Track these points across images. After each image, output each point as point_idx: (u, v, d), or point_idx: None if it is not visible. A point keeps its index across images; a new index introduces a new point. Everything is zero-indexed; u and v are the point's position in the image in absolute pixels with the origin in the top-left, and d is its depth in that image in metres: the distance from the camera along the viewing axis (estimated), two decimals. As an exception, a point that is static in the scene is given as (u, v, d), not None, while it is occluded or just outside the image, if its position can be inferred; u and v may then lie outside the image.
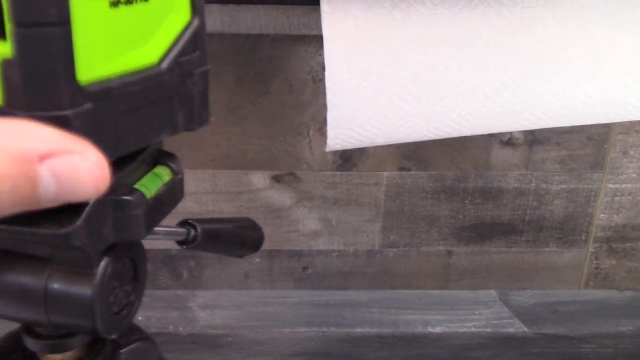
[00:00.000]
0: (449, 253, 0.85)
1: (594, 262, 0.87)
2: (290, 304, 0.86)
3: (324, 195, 0.80)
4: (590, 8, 0.48)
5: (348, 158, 0.78)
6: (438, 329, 0.84)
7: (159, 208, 0.26)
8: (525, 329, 0.85)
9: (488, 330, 0.84)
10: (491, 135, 0.78)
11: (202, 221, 0.33)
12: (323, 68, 0.74)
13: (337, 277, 0.85)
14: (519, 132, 0.78)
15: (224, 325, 0.84)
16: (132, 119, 0.23)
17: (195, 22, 0.25)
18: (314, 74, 0.74)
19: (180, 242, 0.32)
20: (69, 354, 0.28)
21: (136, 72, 0.23)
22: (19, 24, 0.19)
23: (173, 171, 0.27)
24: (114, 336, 0.25)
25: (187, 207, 0.78)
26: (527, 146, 0.79)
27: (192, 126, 0.26)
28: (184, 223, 0.32)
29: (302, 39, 0.71)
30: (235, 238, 0.35)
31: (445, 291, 0.88)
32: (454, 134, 0.54)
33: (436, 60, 0.48)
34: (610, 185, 0.82)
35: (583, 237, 0.85)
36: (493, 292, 0.88)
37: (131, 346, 0.30)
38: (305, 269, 0.84)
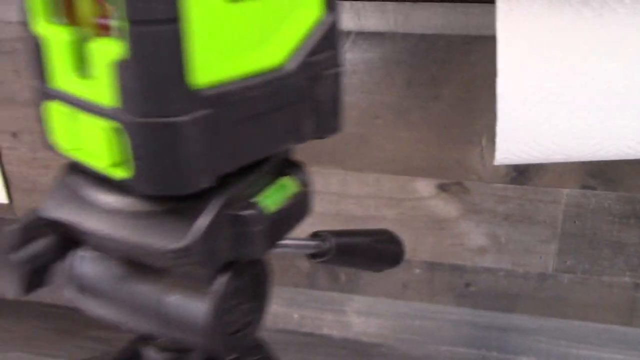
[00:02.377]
0: (637, 286, 0.75)
1: None
2: (449, 321, 0.81)
3: (493, 210, 0.74)
4: None
5: (523, 171, 0.72)
6: (617, 371, 0.74)
7: (283, 223, 0.23)
8: None
9: (678, 379, 0.73)
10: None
11: (336, 233, 0.30)
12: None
13: (503, 298, 0.79)
14: None
15: (379, 335, 0.81)
16: (253, 126, 0.21)
17: (329, 18, 0.22)
18: (492, 79, 0.68)
19: (312, 256, 0.30)
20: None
21: (258, 74, 0.21)
22: (133, 21, 0.17)
23: (300, 183, 0.24)
24: (231, 358, 0.24)
25: (349, 210, 0.77)
26: None
27: (320, 135, 0.23)
28: (316, 235, 0.30)
29: (480, 40, 0.66)
30: (372, 252, 0.32)
31: (629, 328, 0.77)
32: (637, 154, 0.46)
33: (633, 68, 0.41)
34: None
35: None
36: (689, 337, 0.76)
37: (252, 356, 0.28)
38: (468, 285, 0.79)
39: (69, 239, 0.23)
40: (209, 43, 0.19)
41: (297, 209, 0.25)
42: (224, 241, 0.22)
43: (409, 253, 0.79)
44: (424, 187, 0.75)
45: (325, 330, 0.82)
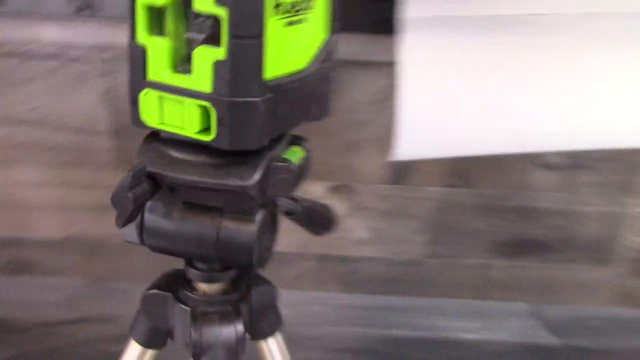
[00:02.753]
0: (487, 266, 0.92)
1: (622, 281, 0.93)
2: (337, 305, 0.93)
3: (375, 207, 0.88)
4: (637, 42, 0.55)
5: (400, 173, 0.86)
6: (471, 336, 0.91)
7: (298, 175, 0.34)
8: (554, 340, 0.91)
9: (518, 340, 0.91)
10: (531, 159, 0.86)
11: (302, 199, 0.41)
12: (380, 91, 0.83)
13: (382, 283, 0.93)
14: (558, 156, 0.86)
15: (277, 322, 0.91)
16: (289, 108, 0.32)
17: (331, 39, 0.34)
18: (373, 97, 0.82)
19: (287, 213, 0.40)
20: (219, 285, 0.36)
21: (294, 73, 0.31)
22: (233, 35, 0.27)
23: (306, 149, 0.35)
24: (262, 268, 0.33)
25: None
26: (564, 170, 0.86)
27: (320, 117, 0.34)
28: (293, 198, 0.40)
29: (366, 64, 0.80)
30: (319, 218, 0.43)
31: (481, 302, 0.94)
32: (513, 151, 0.62)
33: (501, 84, 0.56)
34: (638, 210, 0.88)
35: (612, 257, 0.91)
36: (526, 305, 0.95)
37: (258, 287, 0.38)
38: (352, 273, 0.92)
39: (157, 186, 0.31)
40: (274, 51, 0.29)
41: (305, 166, 0.35)
42: (268, 184, 0.32)
43: (302, 247, 0.91)
44: (318, 189, 0.87)
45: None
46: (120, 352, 0.81)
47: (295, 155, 0.34)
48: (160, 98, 0.30)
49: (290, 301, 0.93)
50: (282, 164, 0.32)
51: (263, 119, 0.29)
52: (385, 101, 0.82)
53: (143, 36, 0.29)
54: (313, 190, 0.86)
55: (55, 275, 0.92)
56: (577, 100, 0.57)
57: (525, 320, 0.93)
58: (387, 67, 0.79)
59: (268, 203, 0.33)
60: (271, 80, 0.30)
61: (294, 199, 0.39)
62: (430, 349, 0.89)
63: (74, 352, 0.82)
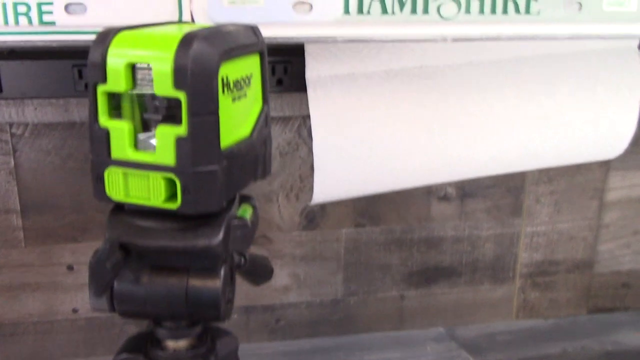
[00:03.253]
0: (402, 297, 0.98)
1: (522, 295, 1.02)
2: (265, 355, 0.95)
3: (292, 253, 0.92)
4: (504, 85, 0.64)
5: (312, 219, 0.91)
6: (397, 366, 0.96)
7: (252, 231, 0.38)
8: (471, 357, 0.98)
9: (440, 362, 0.97)
10: (429, 193, 0.94)
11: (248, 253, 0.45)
12: (288, 143, 0.88)
13: (307, 326, 0.96)
14: (452, 188, 0.94)
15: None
16: (240, 171, 0.36)
17: (266, 108, 0.38)
18: (280, 149, 0.87)
19: (237, 266, 0.43)
20: (186, 340, 0.38)
21: (241, 140, 0.36)
22: (192, 114, 0.31)
23: (253, 206, 0.39)
24: (227, 319, 0.36)
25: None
26: (460, 200, 0.95)
27: (264, 176, 0.38)
28: (241, 252, 0.44)
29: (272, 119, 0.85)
30: (260, 268, 0.47)
31: (401, 332, 1.00)
32: (411, 185, 0.69)
33: (396, 128, 0.63)
34: (528, 229, 0.98)
35: (511, 275, 1.01)
36: (441, 329, 1.02)
37: (222, 339, 0.41)
38: (278, 320, 0.95)
39: (127, 254, 0.34)
40: (225, 124, 0.33)
41: (256, 222, 0.39)
42: (229, 240, 0.35)
43: (226, 302, 0.93)
44: (236, 242, 0.90)
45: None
46: None
47: (247, 212, 0.38)
48: (125, 174, 0.33)
49: (219, 356, 0.94)
50: (239, 221, 0.36)
51: (222, 184, 0.33)
52: (293, 152, 0.88)
53: (104, 120, 0.33)
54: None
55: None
56: (465, 136, 0.65)
57: (443, 343, 1.00)
58: (294, 120, 0.85)
59: (228, 258, 0.37)
60: (226, 149, 0.34)
61: (242, 253, 0.43)
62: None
63: None
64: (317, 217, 0.91)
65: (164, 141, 0.32)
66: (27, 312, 0.88)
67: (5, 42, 0.49)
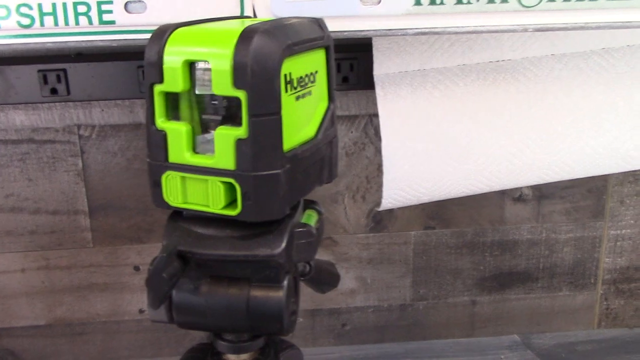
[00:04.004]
0: (473, 302, 0.94)
1: (604, 303, 0.96)
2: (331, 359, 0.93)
3: (359, 256, 0.89)
4: (590, 80, 0.59)
5: (379, 221, 0.88)
6: (469, 374, 0.92)
7: (318, 239, 0.35)
8: (549, 368, 0.93)
9: (515, 372, 0.92)
10: (503, 193, 0.89)
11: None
12: (354, 143, 0.85)
13: (373, 331, 0.93)
14: (528, 188, 0.89)
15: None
16: (305, 175, 0.33)
17: (332, 106, 0.35)
18: (347, 149, 0.84)
19: (301, 275, 0.41)
20: (248, 355, 0.36)
21: (306, 142, 0.33)
22: (252, 115, 0.29)
23: (319, 212, 0.36)
24: (291, 333, 0.34)
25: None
26: (536, 201, 0.90)
27: (330, 180, 0.36)
28: (306, 260, 0.41)
29: (339, 118, 0.82)
30: (326, 275, 0.44)
31: (472, 339, 0.96)
32: (486, 189, 0.64)
33: (470, 128, 0.59)
34: (612, 232, 0.92)
35: (592, 281, 0.94)
36: (516, 337, 0.96)
37: (285, 351, 0.38)
38: (344, 325, 0.92)
39: (186, 264, 0.32)
40: (289, 124, 0.31)
41: (321, 229, 0.36)
42: (293, 250, 0.33)
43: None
44: (301, 244, 0.88)
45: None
46: None
47: (311, 219, 0.35)
48: (183, 178, 0.31)
49: (284, 361, 0.93)
50: (303, 229, 0.33)
51: (285, 189, 0.31)
52: (360, 152, 0.85)
53: (161, 121, 0.31)
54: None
55: (41, 363, 0.90)
56: (547, 136, 0.61)
57: (518, 352, 0.95)
58: (360, 119, 0.82)
59: (292, 268, 0.34)
60: (289, 152, 0.31)
61: (307, 261, 0.40)
62: (428, 392, 0.89)
63: None
64: (384, 219, 0.88)
65: (223, 143, 0.30)
66: (95, 312, 0.89)
67: (66, 42, 0.48)
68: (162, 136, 0.31)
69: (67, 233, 0.85)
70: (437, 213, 0.89)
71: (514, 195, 0.89)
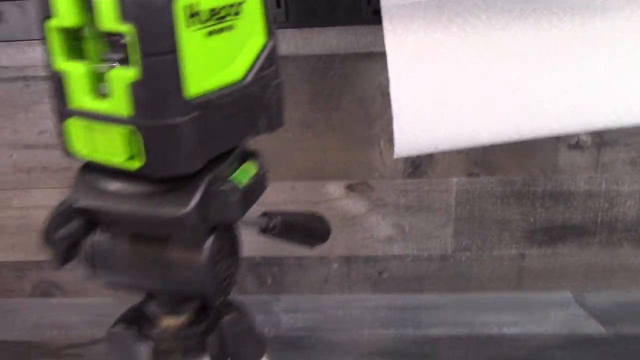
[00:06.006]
0: (522, 256, 0.87)
1: (671, 262, 0.87)
2: (367, 307, 0.90)
3: (396, 202, 0.85)
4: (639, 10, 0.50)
5: (418, 166, 0.83)
6: (513, 330, 0.86)
7: (250, 195, 0.31)
8: (603, 329, 0.85)
9: (564, 331, 0.85)
10: (558, 139, 0.81)
11: (280, 213, 0.38)
12: (387, 83, 0.79)
13: (412, 281, 0.89)
14: (587, 135, 0.80)
15: (306, 328, 0.89)
16: (225, 124, 0.29)
17: (270, 43, 0.31)
18: (382, 89, 0.78)
19: (262, 230, 0.37)
20: (182, 317, 0.33)
21: (227, 86, 0.29)
22: (144, 53, 0.25)
23: (258, 165, 0.33)
24: (219, 301, 0.31)
25: (269, 217, 0.84)
26: (596, 149, 0.81)
27: (271, 129, 0.32)
28: (265, 214, 0.38)
29: (369, 56, 0.77)
30: (308, 229, 0.40)
31: (518, 294, 0.90)
32: (515, 137, 0.58)
33: (494, 68, 0.52)
34: (683, 185, 0.82)
35: (658, 238, 0.85)
36: (568, 294, 0.89)
37: (229, 315, 0.35)
38: (380, 273, 0.89)
39: (92, 221, 0.29)
40: (195, 65, 0.27)
41: (258, 184, 0.33)
42: (211, 209, 0.29)
43: (326, 250, 0.88)
44: (334, 189, 0.84)
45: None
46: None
47: (245, 173, 0.31)
48: (87, 126, 0.28)
49: (318, 306, 0.91)
50: (223, 186, 0.30)
51: (193, 140, 0.27)
52: (383, 90, 0.79)
53: (60, 62, 0.27)
54: (329, 191, 0.83)
55: (81, 295, 0.92)
56: (582, 78, 0.53)
57: (570, 310, 0.88)
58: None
59: (219, 228, 0.31)
60: (197, 97, 0.27)
61: (268, 215, 0.37)
62: (468, 346, 0.85)
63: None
64: (423, 164, 0.83)
65: (117, 87, 0.26)
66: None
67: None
68: (61, 78, 0.28)
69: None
70: (482, 159, 0.82)
71: (571, 142, 0.81)
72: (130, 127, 0.27)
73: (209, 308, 0.35)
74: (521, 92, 0.53)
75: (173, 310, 0.33)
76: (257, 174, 0.32)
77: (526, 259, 0.87)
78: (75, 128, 0.29)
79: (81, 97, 0.28)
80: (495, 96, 0.53)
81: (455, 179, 0.83)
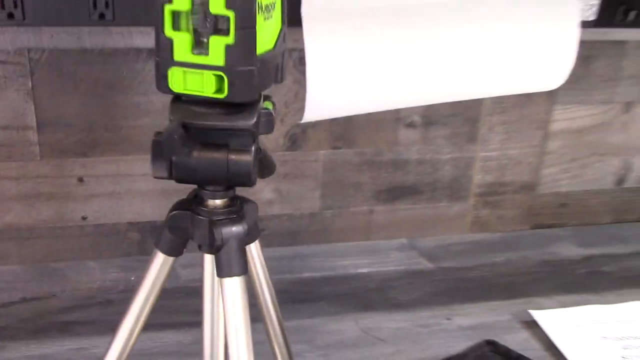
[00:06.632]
0: (371, 212, 1.12)
1: (474, 212, 1.18)
2: (252, 260, 1.09)
3: (277, 171, 1.05)
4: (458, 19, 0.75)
5: (295, 141, 1.04)
6: (366, 270, 1.11)
7: (274, 120, 0.50)
8: (429, 264, 1.14)
9: (402, 268, 1.12)
10: (397, 120, 1.07)
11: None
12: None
13: (288, 236, 1.10)
14: (418, 116, 1.07)
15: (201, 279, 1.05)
16: (268, 73, 0.48)
17: (284, 27, 0.50)
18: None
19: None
20: (224, 201, 0.51)
21: (268, 51, 0.48)
22: (238, 27, 0.43)
23: (273, 103, 0.51)
24: (254, 185, 0.48)
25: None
26: (424, 127, 1.08)
27: (281, 80, 0.50)
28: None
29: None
30: (270, 160, 0.58)
31: (369, 242, 1.15)
32: (410, 104, 0.80)
33: (401, 36, 0.73)
34: (482, 154, 1.13)
35: (465, 194, 1.15)
36: (404, 240, 1.16)
37: (248, 203, 0.53)
38: (263, 230, 1.08)
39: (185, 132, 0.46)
40: (260, 37, 0.45)
41: (275, 114, 0.51)
42: (259, 124, 0.48)
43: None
44: (228, 160, 1.02)
45: (160, 284, 1.03)
46: (69, 322, 0.93)
47: (270, 106, 0.50)
48: (184, 72, 0.45)
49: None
50: (266, 110, 0.48)
51: (257, 80, 0.45)
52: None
53: (169, 31, 0.44)
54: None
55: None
56: (432, 63, 0.76)
57: (405, 252, 1.15)
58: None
59: (256, 140, 0.49)
60: (260, 55, 0.46)
61: (268, 133, 0.54)
62: (334, 284, 1.08)
63: (24, 327, 0.91)
64: (299, 139, 1.04)
65: (216, 47, 0.43)
66: (41, 218, 1.00)
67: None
68: (170, 41, 0.44)
69: (16, 146, 0.94)
70: (343, 135, 1.05)
71: (406, 122, 1.08)
72: (221, 72, 0.44)
73: (237, 197, 0.52)
74: (421, 62, 0.75)
75: (219, 196, 0.50)
76: (274, 108, 0.51)
77: (374, 214, 1.13)
78: (176, 73, 0.45)
79: (184, 53, 0.44)
80: (401, 65, 0.74)
81: (322, 151, 1.05)
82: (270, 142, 1.02)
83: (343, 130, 1.05)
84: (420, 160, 1.11)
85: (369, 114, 1.03)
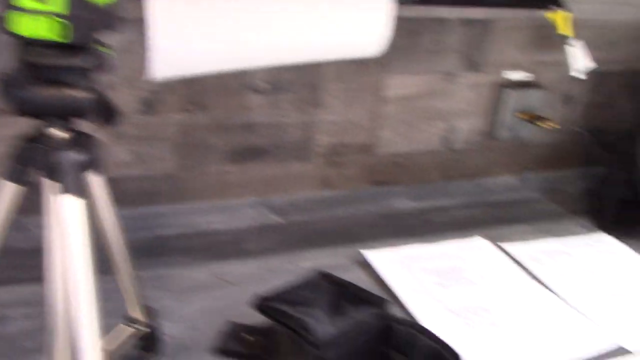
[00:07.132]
0: (225, 172, 1.21)
1: (320, 171, 1.30)
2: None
3: (133, 134, 1.11)
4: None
5: (150, 105, 1.10)
6: (220, 226, 1.20)
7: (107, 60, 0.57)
8: (279, 219, 1.25)
9: (256, 224, 1.22)
10: (247, 87, 1.16)
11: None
12: (130, 42, 1.05)
13: (145, 196, 1.16)
14: (265, 82, 1.17)
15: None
16: (102, 20, 0.55)
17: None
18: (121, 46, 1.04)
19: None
20: (63, 133, 0.58)
21: (108, 3, 0.55)
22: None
23: (113, 49, 0.58)
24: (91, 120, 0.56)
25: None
26: (272, 93, 1.18)
27: (117, 29, 0.58)
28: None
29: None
30: (111, 105, 0.65)
31: (223, 200, 1.24)
32: (249, 65, 0.88)
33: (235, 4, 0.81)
34: (325, 117, 1.25)
35: (312, 155, 1.27)
36: (255, 198, 1.26)
37: (90, 137, 0.61)
38: (121, 191, 1.14)
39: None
40: None
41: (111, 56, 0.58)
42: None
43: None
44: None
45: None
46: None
47: (108, 51, 0.57)
48: (21, 16, 0.52)
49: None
50: (103, 53, 0.56)
51: (91, 26, 0.53)
52: (132, 50, 1.05)
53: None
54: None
55: None
56: (262, 26, 0.85)
57: (257, 209, 1.25)
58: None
59: (92, 78, 0.56)
60: (95, 4, 0.53)
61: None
62: (190, 240, 1.16)
63: None
64: (154, 103, 1.11)
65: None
66: None
67: None
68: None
69: None
70: (195, 99, 1.13)
71: (257, 88, 1.17)
72: (60, 19, 0.51)
73: (83, 134, 0.59)
74: (250, 22, 0.83)
75: (57, 128, 0.57)
76: (111, 54, 0.58)
77: (228, 174, 1.22)
78: (17, 18, 0.51)
79: (26, 3, 0.51)
80: (234, 29, 0.82)
81: (177, 115, 1.13)
82: (125, 106, 1.07)
83: (195, 94, 1.13)
84: (269, 124, 1.21)
85: (219, 79, 1.12)
